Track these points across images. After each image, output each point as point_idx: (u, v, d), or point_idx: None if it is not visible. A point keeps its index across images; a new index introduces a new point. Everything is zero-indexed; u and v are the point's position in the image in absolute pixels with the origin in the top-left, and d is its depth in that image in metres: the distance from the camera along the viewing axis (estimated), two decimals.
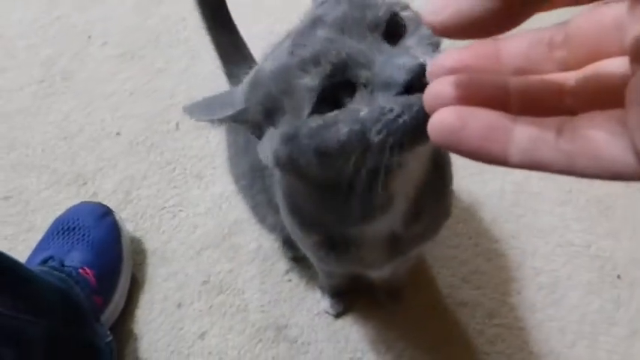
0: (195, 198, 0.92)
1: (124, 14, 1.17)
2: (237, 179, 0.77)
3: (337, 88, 0.37)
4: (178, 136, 0.99)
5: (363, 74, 0.36)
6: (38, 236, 0.85)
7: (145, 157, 0.97)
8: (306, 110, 0.37)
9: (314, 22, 0.38)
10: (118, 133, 1.00)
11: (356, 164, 0.37)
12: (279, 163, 0.41)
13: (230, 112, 0.42)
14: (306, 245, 0.60)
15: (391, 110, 0.34)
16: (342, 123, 0.36)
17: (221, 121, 0.43)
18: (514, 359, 0.81)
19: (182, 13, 1.17)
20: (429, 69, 0.25)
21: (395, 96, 0.34)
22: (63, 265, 0.77)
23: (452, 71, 0.23)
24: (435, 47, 0.37)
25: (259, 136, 0.44)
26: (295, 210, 0.55)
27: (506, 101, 0.22)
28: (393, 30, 0.38)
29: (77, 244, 0.80)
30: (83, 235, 0.81)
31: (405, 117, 0.34)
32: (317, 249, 0.57)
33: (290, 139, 0.39)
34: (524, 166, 0.21)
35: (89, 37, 1.15)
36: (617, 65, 0.21)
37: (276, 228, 0.74)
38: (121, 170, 0.96)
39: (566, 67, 0.22)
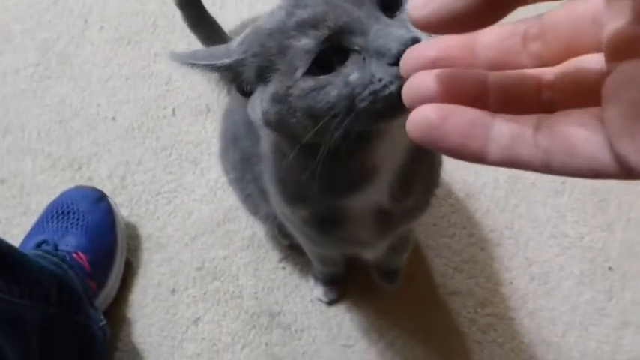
0: (190, 184, 0.92)
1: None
2: (227, 172, 0.77)
3: (331, 52, 0.37)
4: (174, 122, 0.99)
5: (358, 41, 0.36)
6: (33, 220, 0.85)
7: (140, 142, 0.97)
8: (300, 71, 0.38)
9: None
10: (113, 118, 1.00)
11: (341, 127, 0.38)
12: (267, 121, 0.42)
13: (226, 61, 0.41)
14: (294, 224, 0.60)
15: (380, 79, 0.35)
16: (331, 85, 0.37)
17: (215, 68, 0.42)
18: (505, 348, 0.82)
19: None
20: (407, 56, 0.25)
21: (387, 65, 0.35)
22: (57, 249, 0.77)
23: (434, 62, 0.23)
24: None
25: (248, 93, 0.44)
26: (282, 182, 0.55)
27: (485, 96, 0.22)
28: (391, 1, 0.38)
29: (71, 228, 0.80)
30: (78, 219, 0.81)
31: (393, 87, 0.35)
32: (305, 226, 0.57)
33: (281, 99, 0.39)
34: (503, 164, 0.21)
35: (86, 20, 1.14)
36: (594, 62, 0.20)
37: (269, 218, 0.74)
38: (116, 155, 0.96)
39: (542, 61, 0.22)
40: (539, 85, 0.22)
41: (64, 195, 0.84)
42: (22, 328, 0.64)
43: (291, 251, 0.86)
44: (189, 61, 0.42)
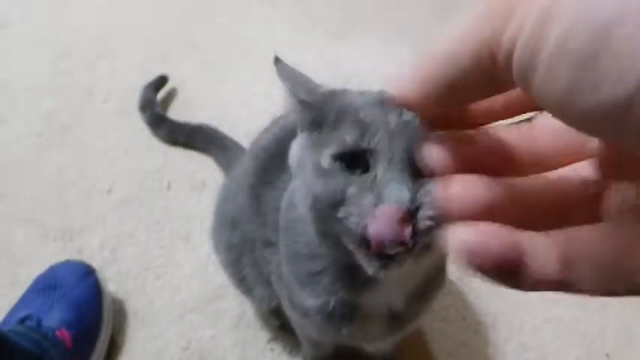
0: (181, 259, 0.91)
1: (129, 74, 1.20)
2: (219, 252, 0.76)
3: (359, 155, 0.37)
4: (169, 196, 0.99)
5: (381, 167, 0.36)
6: (20, 291, 0.83)
7: (134, 215, 0.97)
8: (329, 150, 0.38)
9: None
10: (109, 190, 1.00)
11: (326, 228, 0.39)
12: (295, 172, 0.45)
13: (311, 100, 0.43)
14: (301, 312, 0.59)
15: (361, 213, 0.36)
16: (334, 181, 0.38)
17: (303, 102, 0.43)
18: None
19: (183, 73, 1.21)
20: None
21: (372, 205, 0.35)
22: (40, 325, 0.76)
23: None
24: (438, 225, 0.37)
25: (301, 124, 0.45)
26: (297, 261, 0.55)
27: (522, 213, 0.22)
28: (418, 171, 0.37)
29: (57, 303, 0.79)
30: (64, 294, 0.80)
31: (359, 226, 0.35)
32: (313, 315, 0.56)
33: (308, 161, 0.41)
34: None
35: (90, 93, 1.18)
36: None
37: (263, 300, 0.73)
38: (108, 227, 0.95)
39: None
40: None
41: (52, 268, 0.84)
42: None
43: (281, 332, 0.84)
44: (291, 83, 0.43)
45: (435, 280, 0.56)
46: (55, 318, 0.77)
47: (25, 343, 0.70)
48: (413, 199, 0.34)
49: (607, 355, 0.85)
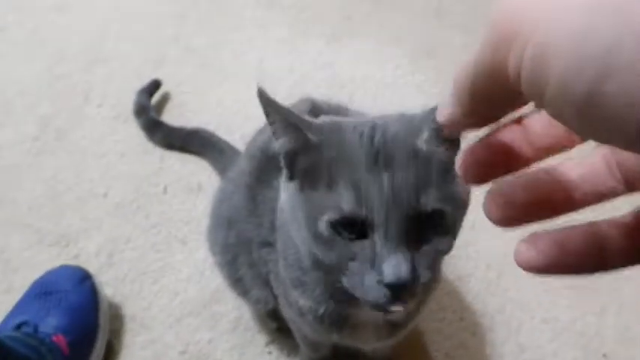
0: (178, 263, 0.91)
1: (124, 78, 1.20)
2: (215, 253, 0.76)
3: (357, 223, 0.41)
4: (165, 200, 0.99)
5: (378, 239, 0.40)
6: (16, 297, 0.83)
7: (130, 219, 0.97)
8: (326, 217, 0.41)
9: (385, 157, 0.40)
10: (105, 194, 1.00)
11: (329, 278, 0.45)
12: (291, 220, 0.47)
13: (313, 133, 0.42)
14: (298, 310, 0.59)
15: (368, 288, 0.41)
16: (335, 251, 0.41)
17: (297, 126, 0.42)
18: None
19: (179, 77, 1.21)
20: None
21: (378, 283, 0.40)
22: (37, 331, 0.75)
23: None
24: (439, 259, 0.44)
25: (290, 172, 0.45)
26: (289, 270, 0.56)
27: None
28: (430, 220, 0.41)
29: (53, 309, 0.78)
30: (60, 299, 0.79)
31: (373, 297, 0.41)
32: (308, 314, 0.58)
33: (308, 223, 0.43)
34: None
35: (86, 97, 1.17)
36: None
37: (260, 301, 0.73)
38: (105, 232, 0.95)
39: None
40: None
41: (49, 274, 0.83)
42: None
43: (279, 335, 0.84)
44: (278, 108, 0.42)
45: (430, 287, 0.56)
46: (51, 323, 0.77)
47: (22, 349, 0.70)
48: (411, 270, 0.39)
49: (604, 355, 0.85)
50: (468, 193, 0.43)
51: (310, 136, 0.42)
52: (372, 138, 0.41)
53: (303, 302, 0.57)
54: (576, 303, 0.89)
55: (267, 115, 0.42)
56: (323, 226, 0.41)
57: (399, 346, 0.81)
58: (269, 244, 0.62)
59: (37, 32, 1.31)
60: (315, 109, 0.61)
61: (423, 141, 0.40)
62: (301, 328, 0.66)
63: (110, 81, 1.20)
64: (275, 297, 0.68)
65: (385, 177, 0.39)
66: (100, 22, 1.34)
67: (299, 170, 0.44)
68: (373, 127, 0.42)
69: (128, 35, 1.31)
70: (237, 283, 0.74)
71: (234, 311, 0.86)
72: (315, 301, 0.55)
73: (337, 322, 0.57)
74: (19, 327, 0.76)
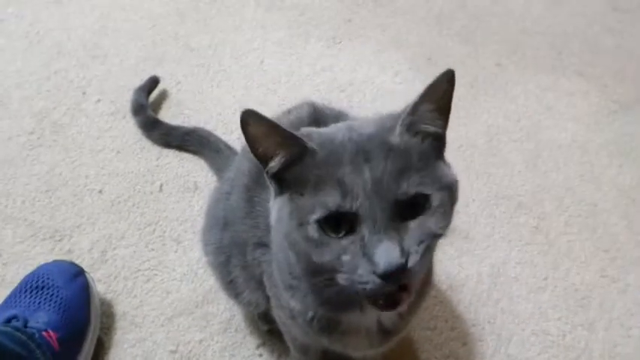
0: (171, 262, 0.91)
1: (123, 74, 1.20)
2: (208, 253, 0.76)
3: (344, 216, 0.42)
4: (161, 198, 0.99)
5: (363, 230, 0.41)
6: (7, 291, 0.82)
7: (125, 216, 0.96)
8: (314, 217, 0.42)
9: (364, 153, 0.43)
10: (100, 191, 1.00)
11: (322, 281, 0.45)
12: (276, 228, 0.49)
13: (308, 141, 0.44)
14: (289, 311, 0.60)
15: (361, 277, 0.41)
16: (327, 249, 0.42)
17: (289, 137, 0.43)
18: None
19: (177, 76, 1.21)
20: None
21: (371, 273, 0.40)
22: (26, 326, 0.75)
23: None
24: (430, 240, 0.43)
25: (279, 187, 0.47)
26: (281, 272, 0.57)
27: None
28: (415, 205, 0.43)
29: (44, 304, 0.78)
30: (52, 295, 0.79)
31: (370, 286, 0.41)
32: (298, 317, 0.58)
33: (294, 229, 0.44)
34: None
35: (84, 93, 1.17)
36: None
37: (251, 304, 0.73)
38: (99, 228, 0.95)
39: None
40: None
41: (41, 268, 0.83)
42: None
43: (270, 337, 0.84)
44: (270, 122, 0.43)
45: (423, 291, 0.57)
46: (41, 319, 0.76)
47: (11, 344, 0.70)
48: (402, 252, 0.40)
49: None
50: (454, 176, 0.46)
51: (310, 144, 0.44)
52: (350, 138, 0.44)
53: (294, 304, 0.57)
54: (566, 316, 0.90)
55: (254, 140, 0.44)
56: (312, 227, 0.42)
57: (389, 354, 0.81)
58: (264, 245, 0.62)
59: (35, 27, 1.30)
60: (316, 113, 0.61)
61: (396, 136, 0.44)
62: (292, 330, 0.66)
63: (108, 77, 1.20)
64: (267, 299, 0.68)
65: (366, 169, 0.41)
66: (99, 17, 1.34)
67: (288, 182, 0.45)
68: (350, 129, 0.45)
69: (127, 32, 1.30)
70: (230, 284, 0.74)
71: (226, 312, 0.86)
72: (305, 305, 0.56)
73: (327, 327, 0.57)
74: (8, 321, 0.75)
